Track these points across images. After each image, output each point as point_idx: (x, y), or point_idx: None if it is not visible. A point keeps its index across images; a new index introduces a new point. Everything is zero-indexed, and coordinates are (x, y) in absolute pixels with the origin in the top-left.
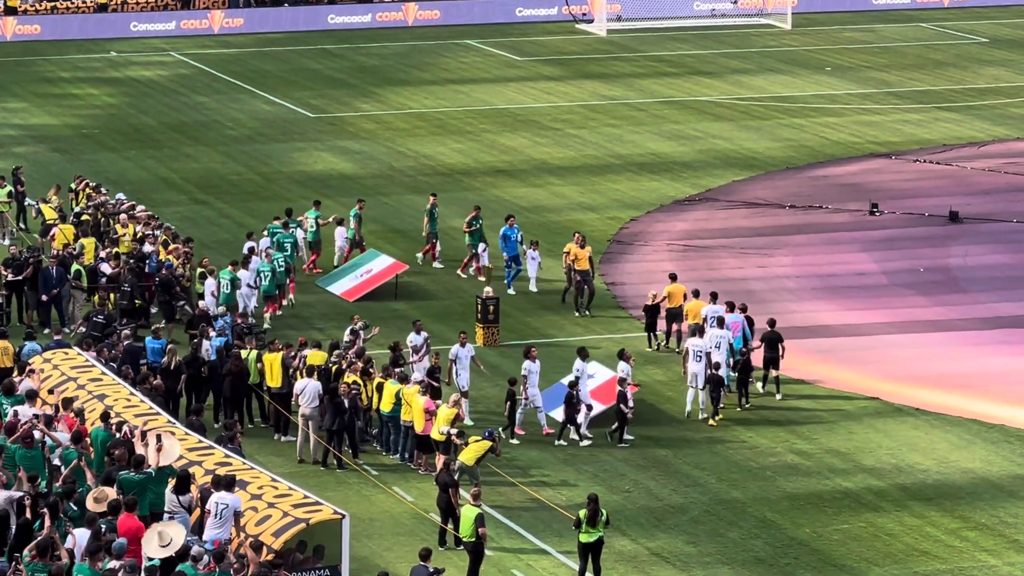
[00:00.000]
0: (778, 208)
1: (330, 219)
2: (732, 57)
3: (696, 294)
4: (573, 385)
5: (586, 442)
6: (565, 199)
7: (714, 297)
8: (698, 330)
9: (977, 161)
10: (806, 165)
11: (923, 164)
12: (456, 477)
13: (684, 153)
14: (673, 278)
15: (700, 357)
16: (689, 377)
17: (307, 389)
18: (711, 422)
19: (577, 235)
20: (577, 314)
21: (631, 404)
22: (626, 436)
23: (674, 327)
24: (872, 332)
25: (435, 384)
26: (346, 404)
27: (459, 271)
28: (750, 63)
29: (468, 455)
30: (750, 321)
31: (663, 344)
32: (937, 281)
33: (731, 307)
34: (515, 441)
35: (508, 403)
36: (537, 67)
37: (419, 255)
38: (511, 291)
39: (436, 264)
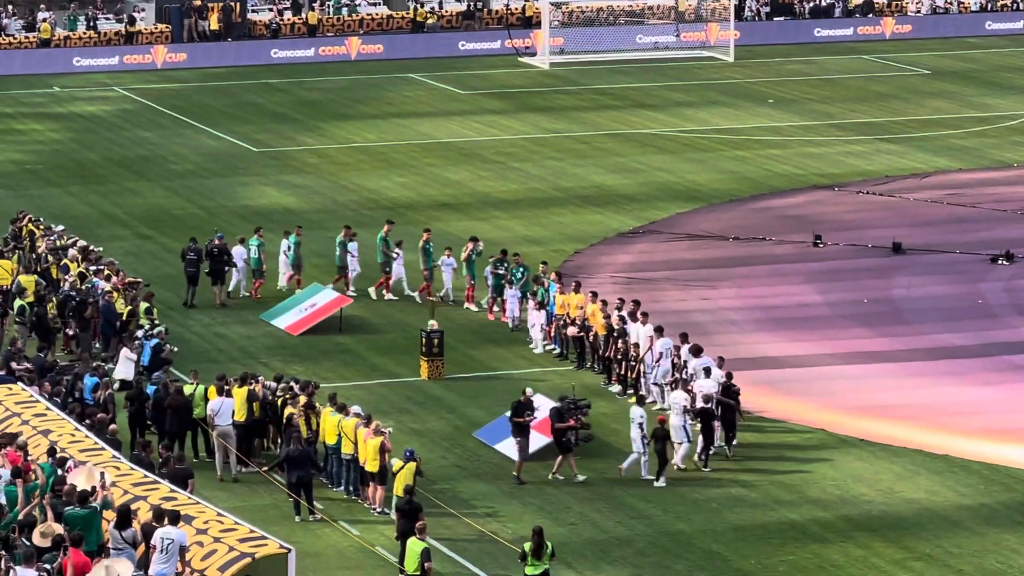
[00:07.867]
0: (721, 240)
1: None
2: (675, 90)
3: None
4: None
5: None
6: (509, 232)
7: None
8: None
9: (919, 192)
10: (749, 197)
11: (866, 195)
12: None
13: (627, 186)
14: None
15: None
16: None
17: (223, 408)
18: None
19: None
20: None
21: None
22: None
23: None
24: (816, 363)
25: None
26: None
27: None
28: (693, 96)
29: (399, 484)
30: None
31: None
32: (880, 312)
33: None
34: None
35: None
36: (480, 100)
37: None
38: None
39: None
